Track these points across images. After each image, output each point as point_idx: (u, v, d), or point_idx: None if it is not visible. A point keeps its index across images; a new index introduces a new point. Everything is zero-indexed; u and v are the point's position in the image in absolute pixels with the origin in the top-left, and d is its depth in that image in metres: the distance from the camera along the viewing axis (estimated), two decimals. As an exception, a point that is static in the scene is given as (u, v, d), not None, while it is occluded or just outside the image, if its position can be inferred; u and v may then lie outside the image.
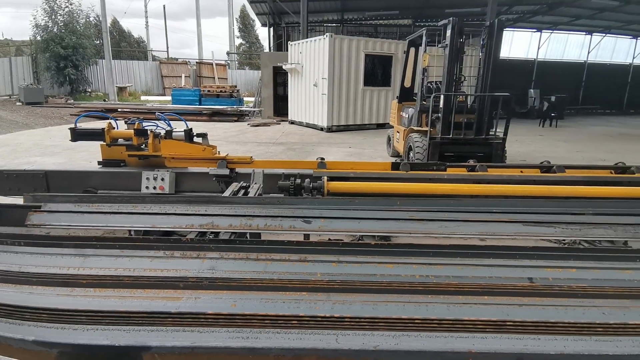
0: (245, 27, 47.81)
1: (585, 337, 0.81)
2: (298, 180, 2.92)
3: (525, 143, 10.05)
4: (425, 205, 1.80)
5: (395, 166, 3.24)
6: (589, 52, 22.11)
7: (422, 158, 5.51)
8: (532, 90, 18.90)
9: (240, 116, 15.55)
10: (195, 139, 3.52)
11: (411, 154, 5.79)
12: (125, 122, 3.80)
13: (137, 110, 15.37)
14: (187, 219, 1.57)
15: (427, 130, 5.47)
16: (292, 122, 13.88)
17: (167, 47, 31.97)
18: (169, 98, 20.32)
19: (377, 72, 12.31)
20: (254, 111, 16.40)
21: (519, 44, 21.06)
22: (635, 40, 22.68)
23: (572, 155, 8.27)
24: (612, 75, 22.55)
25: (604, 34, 21.61)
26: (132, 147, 3.47)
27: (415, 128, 5.93)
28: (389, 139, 8.05)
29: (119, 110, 15.41)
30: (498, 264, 1.11)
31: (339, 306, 0.87)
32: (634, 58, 23.11)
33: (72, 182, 3.52)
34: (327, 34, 11.02)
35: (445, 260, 1.13)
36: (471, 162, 3.31)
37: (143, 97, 24.38)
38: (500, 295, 1.00)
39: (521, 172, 3.33)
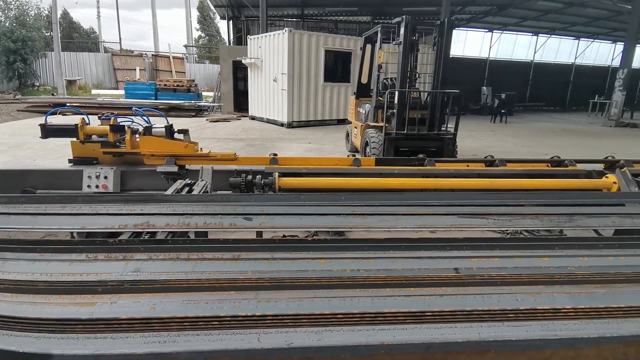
0: (205, 19, 46.38)
1: (497, 324, 0.86)
2: (249, 177, 2.88)
3: (477, 138, 10.51)
4: (368, 200, 1.83)
5: (353, 162, 3.27)
6: (535, 52, 23.46)
7: (377, 153, 5.61)
8: (484, 87, 19.76)
9: (198, 111, 15.10)
10: (177, 135, 3.39)
11: (367, 150, 5.89)
12: (99, 118, 3.58)
13: (86, 105, 14.50)
14: (121, 219, 1.50)
15: (382, 126, 5.58)
16: (253, 118, 13.68)
17: (120, 38, 30.36)
18: (122, 92, 19.37)
19: (337, 68, 12.37)
20: (213, 106, 16.00)
21: (472, 43, 21.99)
22: (577, 41, 24.31)
23: (518, 150, 8.74)
24: (557, 74, 24.08)
25: (548, 35, 22.99)
26: (108, 144, 3.28)
27: (371, 124, 6.03)
28: (347, 135, 8.13)
29: (67, 105, 14.48)
30: (428, 256, 1.15)
31: (264, 304, 0.86)
32: (575, 58, 24.79)
33: (9, 182, 3.28)
34: (286, 28, 10.91)
35: (377, 253, 1.15)
36: (421, 156, 3.40)
37: (94, 91, 23.09)
38: (425, 286, 1.03)
39: (467, 166, 3.48)
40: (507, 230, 3.40)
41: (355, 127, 7.16)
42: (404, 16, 5.28)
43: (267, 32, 13.00)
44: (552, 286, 1.04)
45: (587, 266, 1.15)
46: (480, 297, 0.95)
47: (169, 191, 1.99)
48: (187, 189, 2.08)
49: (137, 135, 3.09)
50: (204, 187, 2.16)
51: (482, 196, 2.00)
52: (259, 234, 2.65)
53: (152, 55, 27.44)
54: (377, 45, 6.08)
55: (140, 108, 3.70)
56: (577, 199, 2.29)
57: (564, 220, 1.65)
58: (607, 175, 3.13)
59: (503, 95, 16.86)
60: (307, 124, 12.15)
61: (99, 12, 34.81)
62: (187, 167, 3.26)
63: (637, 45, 24.10)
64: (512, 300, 0.93)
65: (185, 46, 30.60)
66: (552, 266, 1.12)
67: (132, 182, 3.25)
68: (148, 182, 3.25)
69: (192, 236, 2.00)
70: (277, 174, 2.88)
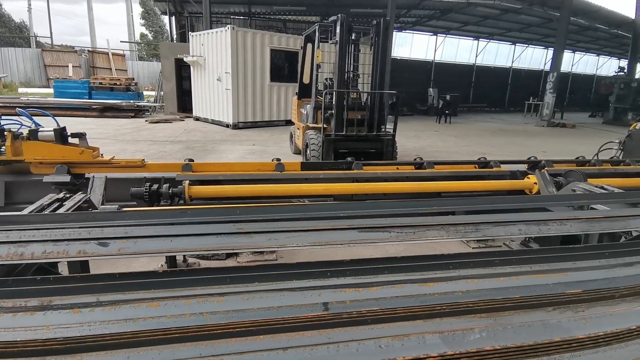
0: (149, 14, 44.13)
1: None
2: (155, 186, 2.58)
3: (422, 138, 10.73)
4: (265, 213, 1.62)
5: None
6: (476, 56, 24.66)
7: (317, 155, 5.46)
8: (431, 89, 20.43)
9: (137, 112, 14.21)
10: (71, 139, 2.96)
11: (308, 151, 5.72)
12: None
13: (9, 105, 13.15)
14: None
15: (319, 127, 5.44)
16: (197, 119, 13.08)
17: (51, 32, 27.95)
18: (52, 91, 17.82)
19: (284, 67, 12.14)
20: (155, 107, 15.13)
21: (418, 47, 22.67)
22: (513, 46, 25.87)
23: (460, 149, 8.99)
24: (496, 77, 25.49)
25: (488, 40, 24.25)
26: None
27: (311, 125, 5.87)
28: (291, 136, 7.93)
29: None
30: (290, 287, 0.96)
31: None
32: (512, 62, 26.38)
33: None
34: (228, 25, 10.51)
35: (228, 287, 0.94)
36: (349, 159, 3.27)
37: (21, 89, 21.08)
38: (284, 331, 0.83)
39: (397, 168, 3.39)
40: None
41: (298, 129, 6.97)
42: (339, 15, 5.16)
43: (211, 29, 12.48)
44: (431, 320, 0.88)
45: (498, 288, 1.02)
46: (344, 346, 0.77)
47: (29, 209, 1.66)
48: (56, 204, 1.75)
49: (20, 140, 2.66)
50: (81, 201, 1.85)
51: (388, 204, 1.87)
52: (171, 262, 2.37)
53: (89, 51, 25.54)
54: (316, 44, 5.92)
55: (26, 108, 3.22)
56: (501, 205, 2.23)
57: (470, 230, 1.54)
58: (528, 175, 3.16)
59: (448, 97, 17.49)
60: (254, 124, 11.80)
61: (29, 4, 31.92)
62: (87, 176, 2.88)
63: (566, 50, 26.15)
64: (375, 347, 0.76)
65: (124, 42, 28.76)
66: (438, 292, 0.98)
67: (21, 195, 2.82)
68: (40, 195, 2.83)
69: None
70: (187, 182, 2.61)
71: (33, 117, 3.23)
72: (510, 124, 16.27)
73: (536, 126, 15.39)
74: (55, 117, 3.31)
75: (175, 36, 16.82)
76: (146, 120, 12.51)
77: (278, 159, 3.10)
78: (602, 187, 2.51)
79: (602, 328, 0.87)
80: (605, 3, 17.72)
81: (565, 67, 28.06)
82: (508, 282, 1.04)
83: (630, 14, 18.30)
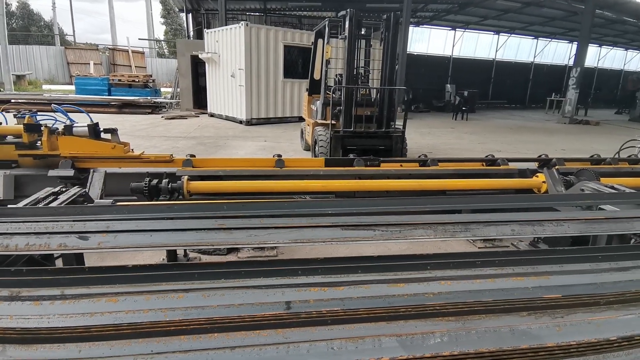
0: (169, 12, 44.72)
1: None
2: (154, 181, 2.61)
3: (436, 135, 10.55)
4: (250, 210, 1.62)
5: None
6: (496, 51, 24.04)
7: (325, 152, 5.42)
8: (448, 85, 20.06)
9: (154, 108, 14.47)
10: (104, 135, 3.08)
11: (316, 148, 5.69)
12: (15, 116, 3.20)
13: (33, 102, 13.61)
14: None
15: (329, 124, 5.40)
16: (212, 115, 13.22)
17: (74, 30, 28.72)
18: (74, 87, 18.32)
19: (298, 63, 12.11)
20: (171, 103, 15.38)
21: (436, 42, 22.26)
22: (536, 40, 25.10)
23: (474, 146, 8.80)
24: (517, 73, 24.81)
25: (509, 34, 23.60)
26: (24, 146, 2.92)
27: (319, 121, 5.84)
28: (302, 133, 7.91)
29: (12, 101, 13.52)
30: (255, 285, 0.94)
31: None
32: (535, 57, 25.61)
33: None
34: (242, 22, 10.54)
35: (178, 285, 0.93)
36: (351, 156, 3.23)
37: (46, 87, 21.77)
38: (238, 330, 0.82)
39: (400, 166, 3.34)
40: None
41: (308, 125, 6.95)
42: (348, 9, 5.09)
43: (226, 25, 12.55)
44: (390, 322, 0.85)
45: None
46: (295, 347, 0.75)
47: (24, 202, 1.70)
48: (51, 198, 1.79)
49: (55, 135, 2.79)
50: (74, 195, 1.88)
51: (370, 203, 1.84)
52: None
53: (110, 49, 26.11)
54: (325, 39, 5.87)
55: (60, 104, 3.39)
56: (500, 204, 2.17)
57: (460, 229, 1.49)
58: (537, 174, 3.06)
59: (465, 93, 17.16)
60: (267, 121, 11.84)
61: (54, 2, 32.84)
62: (94, 170, 2.94)
63: (591, 44, 25.23)
64: (327, 349, 0.73)
65: (141, 39, 29.23)
66: (407, 294, 0.94)
67: (30, 189, 2.89)
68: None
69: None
70: (186, 177, 2.63)
71: (68, 113, 3.43)
72: (530, 121, 15.82)
73: (557, 123, 14.92)
74: (51, 114, 3.44)
75: (191, 33, 17.00)
76: (162, 117, 12.72)
77: (279, 155, 3.09)
78: (612, 187, 2.40)
79: (577, 337, 0.82)
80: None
81: (590, 62, 27.08)
82: (484, 285, 1.00)
83: (662, 5, 17.39)
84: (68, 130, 2.91)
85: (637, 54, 29.98)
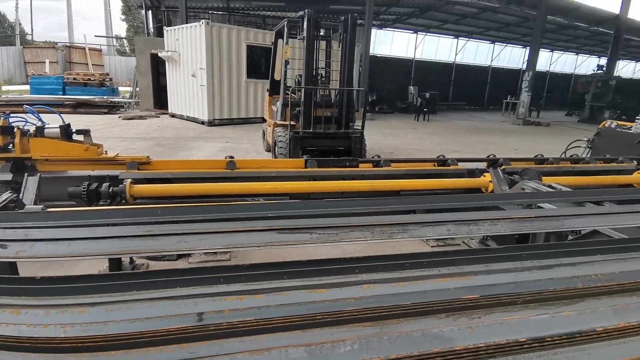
0: (130, 9, 43.00)
1: None
2: (94, 185, 2.47)
3: (398, 136, 10.75)
4: (186, 214, 1.55)
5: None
6: (456, 54, 24.91)
7: (285, 153, 5.38)
8: (411, 87, 20.53)
9: (111, 108, 13.88)
10: (76, 137, 2.96)
11: (277, 149, 5.63)
12: None
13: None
14: None
15: (289, 124, 5.36)
16: (173, 116, 12.82)
17: (32, 29, 27.06)
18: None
19: (261, 63, 11.97)
20: (130, 103, 14.78)
21: (399, 44, 22.76)
22: (492, 45, 26.22)
23: (434, 147, 9.04)
24: (476, 76, 25.80)
25: (467, 39, 24.51)
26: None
27: (279, 122, 5.79)
28: (264, 133, 7.82)
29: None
30: (164, 296, 0.88)
31: None
32: (492, 61, 26.74)
33: None
34: (203, 20, 10.30)
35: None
36: (304, 157, 3.21)
37: (5, 87, 20.35)
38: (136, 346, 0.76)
39: (356, 166, 3.35)
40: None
41: (269, 125, 6.88)
42: (306, 10, 5.08)
43: (187, 24, 12.22)
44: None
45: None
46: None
47: None
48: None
49: (27, 138, 2.62)
50: (6, 201, 1.73)
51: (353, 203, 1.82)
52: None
53: (67, 46, 24.76)
54: (285, 40, 5.83)
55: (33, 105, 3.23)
56: (441, 204, 2.20)
57: (397, 230, 1.50)
58: (485, 174, 3.16)
59: (427, 95, 17.61)
60: (230, 122, 11.63)
61: (17, 2, 30.74)
62: (28, 174, 2.75)
63: (544, 49, 26.63)
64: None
65: (97, 37, 28.00)
66: (327, 299, 0.92)
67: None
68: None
69: None
70: (129, 180, 2.50)
71: (39, 114, 3.27)
72: (488, 122, 16.48)
73: (512, 124, 15.63)
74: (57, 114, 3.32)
75: (151, 30, 16.42)
76: (119, 117, 12.21)
77: (231, 157, 3.01)
78: (549, 186, 2.51)
79: (487, 339, 0.82)
80: (586, 0, 17.86)
81: (543, 66, 28.66)
82: (406, 287, 0.99)
83: (614, 9, 18.58)
84: (40, 131, 2.79)
85: (587, 58, 32.00)
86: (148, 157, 2.97)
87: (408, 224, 1.54)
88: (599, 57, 29.65)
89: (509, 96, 21.25)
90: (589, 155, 6.49)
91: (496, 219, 1.65)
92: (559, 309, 0.95)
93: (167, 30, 12.11)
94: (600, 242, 1.41)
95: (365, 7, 13.76)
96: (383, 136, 10.53)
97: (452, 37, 24.12)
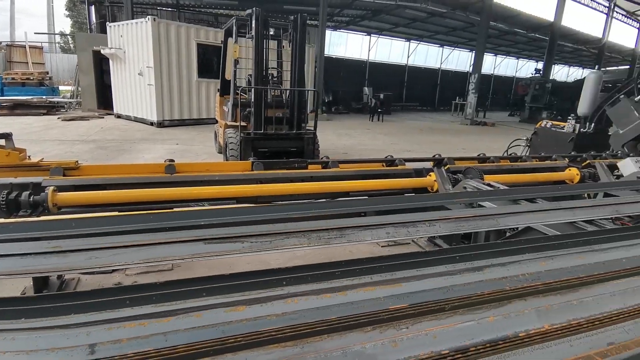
0: (75, 4, 40.17)
1: None
2: (13, 194, 2.22)
3: (353, 136, 10.85)
4: (103, 225, 1.41)
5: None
6: (408, 57, 25.68)
7: (236, 155, 5.22)
8: (366, 88, 20.89)
9: (51, 108, 12.90)
10: None
11: (227, 151, 5.46)
12: None
13: None
14: None
15: (239, 125, 5.21)
16: (119, 116, 12.13)
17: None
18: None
19: (213, 63, 11.60)
20: (71, 103, 13.81)
21: (353, 46, 23.05)
22: (441, 48, 27.31)
23: (387, 147, 9.21)
24: (427, 78, 26.74)
25: (418, 42, 25.36)
26: None
27: (229, 123, 5.61)
28: (215, 135, 7.58)
29: None
30: (55, 325, 0.76)
31: None
32: (441, 63, 27.85)
33: None
34: (149, 17, 9.82)
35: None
36: (251, 160, 3.10)
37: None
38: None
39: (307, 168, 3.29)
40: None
41: (221, 127, 6.67)
42: (254, 8, 4.95)
43: (133, 20, 11.60)
44: None
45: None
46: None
47: None
48: None
49: None
50: None
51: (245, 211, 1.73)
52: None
53: (7, 45, 22.67)
54: (233, 38, 5.67)
55: None
56: (385, 205, 2.18)
57: (335, 235, 1.45)
58: (430, 173, 3.21)
59: (381, 96, 17.98)
60: (181, 123, 11.18)
61: None
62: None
63: (488, 53, 28.12)
64: None
65: (37, 34, 26.01)
66: (246, 318, 0.84)
67: None
68: None
69: None
70: (52, 188, 2.27)
71: None
72: (438, 122, 17.12)
73: (460, 124, 16.34)
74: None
75: (94, 27, 15.43)
76: (59, 118, 11.37)
77: (171, 160, 2.84)
78: (489, 184, 2.58)
79: (410, 352, 0.78)
80: (525, 8, 19.05)
81: (488, 69, 30.28)
82: (334, 299, 0.94)
83: (549, 17, 19.92)
84: (-49, 136, 2.49)
85: (526, 62, 34.23)
86: (77, 161, 2.72)
87: (346, 228, 1.50)
88: (537, 61, 31.82)
89: (457, 97, 22.24)
90: (527, 154, 6.90)
91: (434, 219, 1.64)
92: (485, 314, 0.93)
93: (110, 27, 11.43)
94: (531, 240, 1.44)
95: (320, 8, 13.78)
96: (338, 136, 10.58)
97: (404, 40, 24.84)
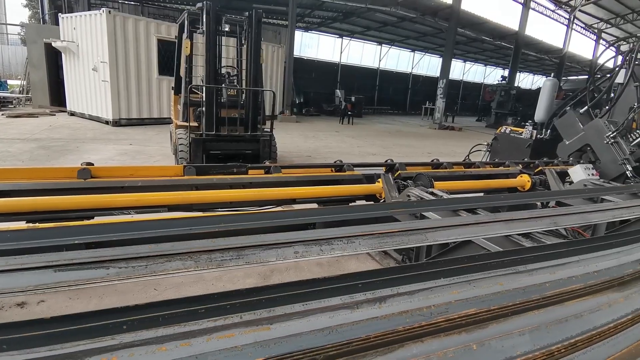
0: (32, -7, 38.09)
1: None
2: None
3: (320, 139, 10.68)
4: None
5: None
6: (380, 60, 25.86)
7: (186, 157, 4.92)
8: (338, 90, 20.82)
9: (-4, 104, 12.02)
10: None
11: (177, 152, 5.14)
12: None
13: None
14: None
15: (192, 126, 4.92)
16: (73, 114, 11.45)
17: None
18: None
19: (174, 60, 11.14)
20: (20, 99, 12.94)
21: (325, 48, 22.97)
22: (413, 53, 27.68)
23: (352, 150, 9.09)
24: (398, 82, 27.04)
25: (390, 46, 25.58)
26: None
27: (179, 123, 5.30)
28: (171, 135, 7.20)
29: None
30: None
31: None
32: (412, 68, 28.23)
33: None
34: (104, 9, 9.29)
35: None
36: (184, 164, 2.84)
37: None
38: None
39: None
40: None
41: (175, 127, 6.32)
42: (204, 2, 4.68)
43: (89, 11, 10.97)
44: None
45: None
46: None
47: None
48: None
49: None
50: None
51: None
52: None
53: None
54: (185, 33, 5.37)
55: None
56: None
57: (231, 256, 1.23)
58: (379, 180, 3.06)
59: (353, 98, 17.96)
60: (140, 122, 10.66)
61: None
62: None
63: (457, 60, 28.76)
64: None
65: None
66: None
67: None
68: None
69: None
70: None
71: None
72: (408, 126, 17.24)
73: (429, 128, 16.52)
74: None
75: (47, 17, 14.55)
76: (2, 114, 10.58)
77: (88, 163, 2.54)
78: (432, 193, 2.45)
79: None
80: (491, 16, 19.62)
81: (457, 75, 30.97)
82: (185, 349, 0.72)
83: (515, 26, 20.51)
84: None
85: (494, 70, 35.25)
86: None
87: (245, 248, 1.29)
88: (504, 69, 32.82)
89: (427, 102, 22.54)
90: (488, 158, 6.93)
91: (354, 235, 1.46)
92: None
93: (62, 18, 10.76)
94: (456, 261, 1.28)
95: (289, 7, 13.57)
96: (305, 139, 10.38)
97: (375, 43, 24.98)
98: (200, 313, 0.84)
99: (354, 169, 3.36)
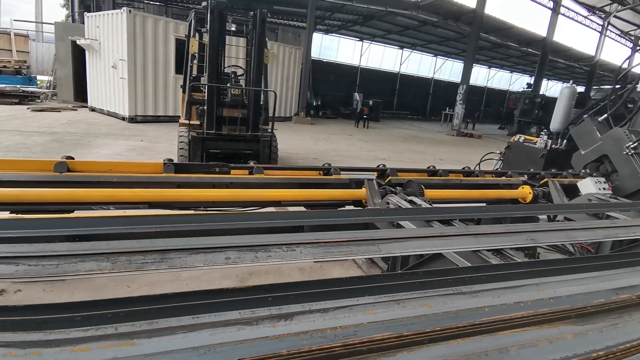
0: (67, -6, 39.81)
1: None
2: None
3: (331, 141, 10.59)
4: None
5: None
6: (401, 64, 25.56)
7: (185, 155, 4.94)
8: (356, 93, 20.69)
9: (24, 98, 12.51)
10: None
11: (178, 150, 5.17)
12: None
13: None
14: None
15: (194, 124, 4.94)
16: (93, 109, 11.79)
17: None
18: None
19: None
20: (46, 93, 13.43)
21: (345, 51, 22.89)
22: (435, 58, 27.24)
23: (361, 154, 8.96)
24: (419, 86, 26.64)
25: (411, 50, 25.26)
26: None
27: (182, 120, 5.33)
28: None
29: None
30: None
31: None
32: (434, 73, 27.77)
33: None
34: (125, 8, 9.52)
35: None
36: (164, 161, 2.82)
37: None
38: None
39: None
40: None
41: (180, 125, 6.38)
42: (209, 0, 4.69)
43: (113, 10, 11.28)
44: None
45: None
46: None
47: None
48: None
49: None
50: None
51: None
52: None
53: None
54: (191, 32, 5.40)
55: None
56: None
57: (153, 259, 1.17)
58: (363, 185, 2.95)
59: (370, 102, 17.79)
60: (155, 119, 10.86)
61: None
62: None
63: (482, 66, 28.12)
64: None
65: (17, 21, 25.50)
66: None
67: None
68: None
69: None
70: None
71: None
72: (425, 132, 16.93)
73: (446, 135, 16.16)
74: None
75: (76, 16, 15.08)
76: (28, 108, 10.99)
77: (68, 157, 2.54)
78: (411, 201, 2.33)
79: None
80: (518, 22, 19.08)
81: (481, 81, 30.28)
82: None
83: (542, 32, 19.88)
84: None
85: (520, 77, 34.28)
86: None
87: (170, 251, 1.23)
88: (530, 76, 31.84)
89: (447, 108, 22.09)
90: (500, 167, 6.68)
91: (293, 243, 1.38)
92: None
93: (87, 17, 11.11)
94: (429, 274, 1.18)
95: (307, 10, 13.57)
96: (315, 141, 10.32)
97: (397, 47, 24.72)
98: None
99: (345, 173, 3.27)
